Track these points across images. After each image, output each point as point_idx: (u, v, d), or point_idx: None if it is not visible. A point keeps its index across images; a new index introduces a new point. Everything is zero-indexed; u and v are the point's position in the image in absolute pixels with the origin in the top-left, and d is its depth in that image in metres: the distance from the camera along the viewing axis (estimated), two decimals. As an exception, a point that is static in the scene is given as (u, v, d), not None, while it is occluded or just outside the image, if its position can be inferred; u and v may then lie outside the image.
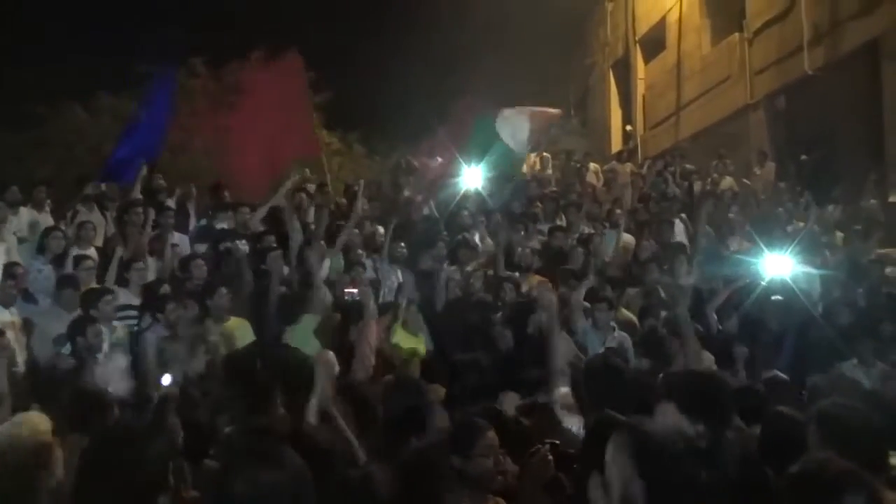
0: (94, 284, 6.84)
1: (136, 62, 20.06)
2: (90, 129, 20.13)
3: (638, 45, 22.28)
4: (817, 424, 3.06)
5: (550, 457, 3.50)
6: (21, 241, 8.12)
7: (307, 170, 12.50)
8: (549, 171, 14.61)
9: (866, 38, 13.32)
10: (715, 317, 7.25)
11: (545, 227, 9.39)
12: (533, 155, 15.93)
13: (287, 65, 9.28)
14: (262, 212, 8.58)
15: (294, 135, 9.19)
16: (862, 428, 2.94)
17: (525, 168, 14.97)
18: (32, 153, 18.85)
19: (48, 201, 9.05)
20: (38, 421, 2.67)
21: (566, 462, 3.56)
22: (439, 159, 13.71)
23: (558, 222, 9.60)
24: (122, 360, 6.25)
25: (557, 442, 3.63)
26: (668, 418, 3.65)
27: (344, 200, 10.14)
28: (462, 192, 9.39)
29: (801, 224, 10.29)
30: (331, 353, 5.01)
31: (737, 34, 17.36)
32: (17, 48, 20.46)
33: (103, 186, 9.45)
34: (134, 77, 20.33)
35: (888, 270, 8.31)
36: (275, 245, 7.59)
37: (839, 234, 10.19)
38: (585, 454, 3.29)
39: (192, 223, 8.95)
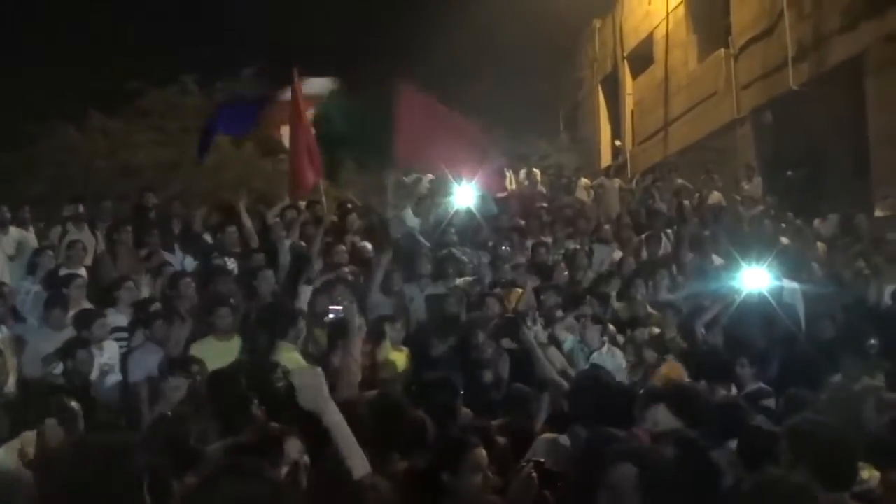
0: (84, 303, 6.86)
1: (127, 81, 20.31)
2: (82, 147, 20.17)
3: (626, 60, 22.49)
4: (788, 439, 3.13)
5: (535, 474, 3.54)
6: (9, 259, 8.15)
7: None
8: (540, 188, 14.69)
9: (850, 54, 13.49)
10: (703, 331, 7.31)
11: (530, 243, 9.46)
12: (523, 171, 16.06)
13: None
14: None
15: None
16: (831, 443, 3.00)
17: (513, 184, 15.10)
18: (24, 172, 18.84)
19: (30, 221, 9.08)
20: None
21: (550, 480, 3.60)
22: (430, 176, 13.79)
23: (543, 238, 9.67)
24: (111, 380, 6.32)
25: (542, 460, 3.67)
26: (661, 420, 3.73)
27: (335, 218, 10.18)
28: (452, 209, 9.45)
29: (786, 239, 10.40)
30: (318, 369, 5.06)
31: (723, 50, 17.56)
32: (9, 67, 20.51)
33: (80, 208, 9.48)
34: (124, 96, 20.57)
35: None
36: (263, 263, 7.62)
37: (821, 247, 10.28)
38: (580, 470, 3.34)
39: (177, 242, 8.96)
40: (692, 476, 3.08)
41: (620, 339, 7.34)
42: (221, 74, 21.58)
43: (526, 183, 14.86)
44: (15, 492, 3.00)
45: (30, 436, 3.08)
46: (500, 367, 6.25)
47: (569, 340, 7.06)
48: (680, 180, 14.59)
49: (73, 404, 4.20)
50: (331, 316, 5.48)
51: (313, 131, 8.09)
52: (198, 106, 20.94)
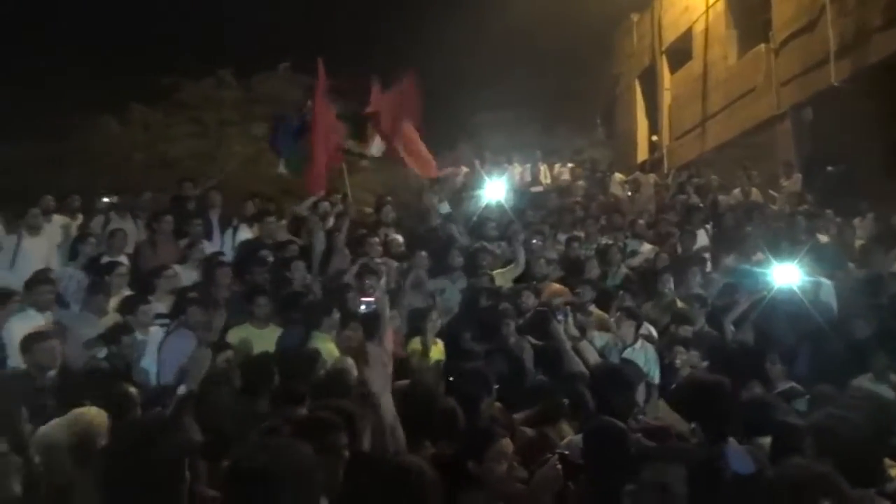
0: (126, 291, 7.05)
1: (165, 75, 20.68)
2: (123, 139, 20.60)
3: (664, 55, 22.26)
4: (813, 435, 3.14)
5: (559, 466, 3.58)
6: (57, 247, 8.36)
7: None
8: (580, 182, 14.66)
9: (892, 50, 13.23)
10: (732, 328, 7.29)
11: (563, 238, 9.49)
12: (557, 165, 16.06)
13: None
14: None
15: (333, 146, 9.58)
16: (855, 439, 3.01)
17: (547, 178, 15.11)
18: (66, 163, 19.26)
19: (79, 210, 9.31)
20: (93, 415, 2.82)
21: (575, 472, 3.65)
22: (464, 169, 13.86)
23: (576, 233, 9.69)
24: (150, 365, 6.51)
25: (567, 452, 3.71)
26: (662, 414, 3.78)
27: (370, 210, 10.32)
28: (484, 203, 9.51)
29: (823, 236, 10.28)
30: (350, 360, 5.18)
31: (763, 45, 17.30)
32: (52, 61, 20.95)
33: (117, 199, 9.75)
34: (162, 89, 20.95)
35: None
36: (297, 254, 7.75)
37: (859, 246, 10.14)
38: (586, 462, 3.39)
39: (216, 232, 9.14)
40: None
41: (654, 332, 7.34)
42: (258, 68, 21.86)
43: (563, 178, 14.85)
44: (61, 465, 3.10)
45: (82, 414, 3.20)
46: (525, 359, 6.30)
47: (602, 335, 7.10)
48: (714, 177, 14.45)
49: (132, 389, 4.34)
50: (363, 308, 5.59)
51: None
52: (235, 99, 21.28)
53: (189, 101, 21.31)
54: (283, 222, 9.23)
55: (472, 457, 3.40)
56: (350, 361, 5.14)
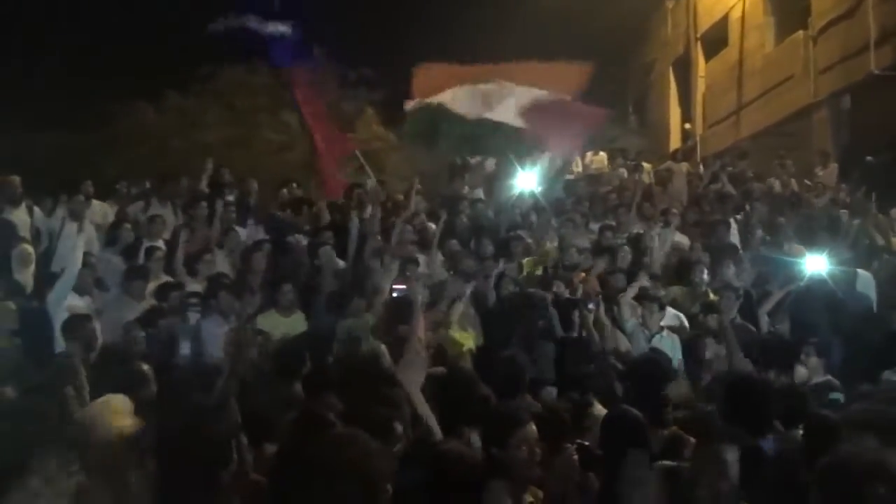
0: (163, 276, 7.19)
1: (201, 63, 20.88)
2: (158, 126, 20.87)
3: (699, 42, 22.02)
4: (849, 429, 3.12)
5: (576, 457, 3.58)
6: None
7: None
8: (622, 170, 14.56)
9: (935, 37, 12.99)
10: (767, 319, 7.25)
11: (596, 226, 9.46)
12: (590, 153, 15.96)
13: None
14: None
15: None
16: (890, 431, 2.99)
17: (579, 166, 15.04)
18: (103, 151, 19.56)
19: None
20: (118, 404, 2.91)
21: (595, 462, 3.66)
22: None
23: (608, 221, 9.66)
24: (186, 348, 6.64)
25: (587, 443, 3.71)
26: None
27: (402, 197, 10.35)
28: (517, 191, 9.51)
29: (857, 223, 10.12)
30: (382, 347, 5.25)
31: (801, 32, 17.05)
32: (91, 49, 21.23)
33: (147, 184, 9.92)
34: (197, 77, 21.17)
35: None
36: (330, 240, 7.83)
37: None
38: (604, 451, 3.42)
39: (252, 219, 9.25)
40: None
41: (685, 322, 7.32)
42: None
43: (594, 166, 14.75)
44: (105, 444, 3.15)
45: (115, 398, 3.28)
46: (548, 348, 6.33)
47: (630, 323, 7.11)
48: (744, 164, 14.21)
49: (146, 367, 4.45)
50: (395, 294, 5.65)
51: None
52: (267, 85, 21.42)
53: (222, 89, 21.53)
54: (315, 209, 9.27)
55: (496, 443, 3.41)
56: (382, 347, 5.21)
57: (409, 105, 8.57)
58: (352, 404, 3.94)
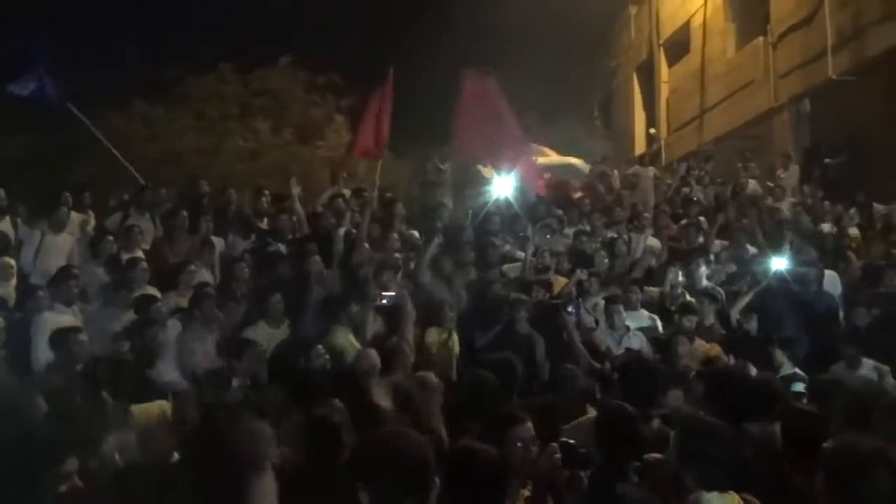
0: (147, 286, 7.22)
1: (167, 69, 20.75)
2: (124, 134, 20.63)
3: (662, 48, 22.45)
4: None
5: (558, 455, 3.72)
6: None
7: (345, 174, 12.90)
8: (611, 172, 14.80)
9: (890, 44, 13.45)
10: (738, 317, 7.52)
11: (570, 231, 9.67)
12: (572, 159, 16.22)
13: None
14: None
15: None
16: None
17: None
18: (67, 159, 19.31)
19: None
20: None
21: (582, 460, 3.81)
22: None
23: (581, 226, 9.88)
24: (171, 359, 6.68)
25: (572, 441, 3.85)
26: (675, 404, 3.99)
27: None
28: (491, 197, 9.67)
29: (825, 226, 10.51)
30: (373, 351, 5.37)
31: (761, 38, 17.51)
32: (55, 54, 20.95)
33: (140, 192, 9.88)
34: (164, 83, 21.00)
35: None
36: (315, 249, 7.91)
37: (856, 235, 10.37)
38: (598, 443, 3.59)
39: (231, 228, 9.27)
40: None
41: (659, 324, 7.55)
42: (259, 62, 21.93)
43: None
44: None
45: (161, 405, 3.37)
46: (538, 350, 6.50)
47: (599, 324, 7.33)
48: (708, 167, 14.54)
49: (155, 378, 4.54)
50: (384, 301, 5.77)
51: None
52: (236, 93, 21.36)
53: (191, 95, 21.39)
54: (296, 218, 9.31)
55: (493, 440, 3.54)
56: (373, 352, 5.33)
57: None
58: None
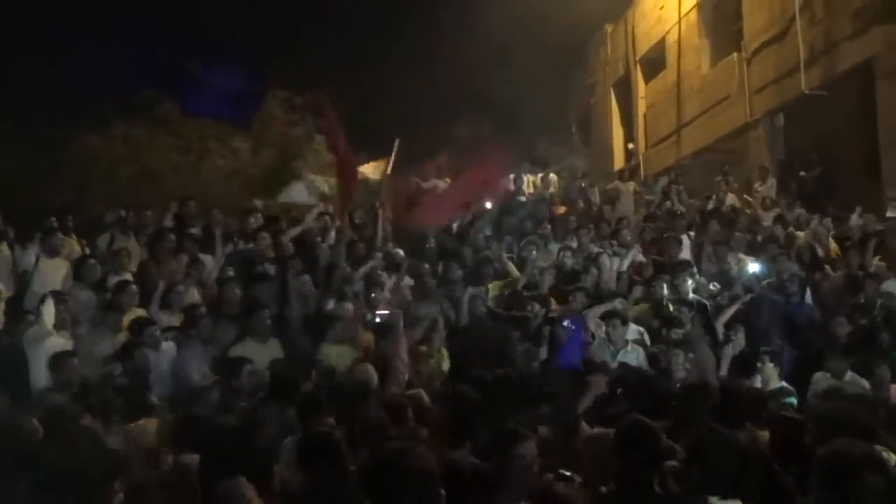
0: (136, 308, 7.23)
1: (145, 89, 20.75)
2: (104, 154, 20.56)
3: (638, 64, 22.73)
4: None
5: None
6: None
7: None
8: (552, 190, 15.00)
9: (860, 59, 13.77)
10: (723, 330, 7.64)
11: (555, 247, 9.79)
12: (541, 175, 16.40)
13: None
14: (294, 232, 9.01)
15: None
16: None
17: (531, 188, 15.42)
18: (47, 180, 19.21)
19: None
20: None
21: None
22: (447, 180, 14.06)
23: (567, 242, 10.00)
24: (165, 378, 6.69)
25: (569, 473, 3.89)
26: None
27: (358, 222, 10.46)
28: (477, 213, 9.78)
29: (802, 238, 10.71)
30: (370, 366, 5.43)
31: (735, 54, 17.81)
32: (32, 73, 20.88)
33: (123, 213, 9.88)
34: (143, 104, 20.99)
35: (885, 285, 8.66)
36: (301, 269, 7.96)
37: (833, 246, 10.58)
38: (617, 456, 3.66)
39: (218, 249, 9.30)
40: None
41: (646, 337, 7.66)
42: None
43: (539, 187, 15.15)
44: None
45: (145, 425, 3.40)
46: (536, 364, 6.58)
47: (596, 338, 7.41)
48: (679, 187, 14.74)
49: (154, 399, 4.57)
50: (377, 320, 5.83)
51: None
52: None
53: (169, 116, 21.39)
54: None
55: (498, 454, 3.59)
56: (370, 368, 5.39)
57: None
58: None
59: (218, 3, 23.11)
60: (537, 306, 7.46)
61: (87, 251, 8.69)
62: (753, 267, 8.66)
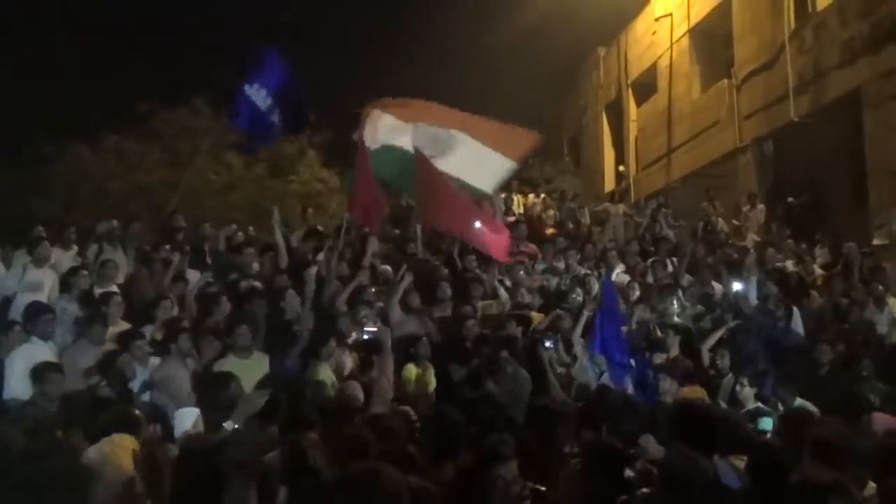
0: (121, 321, 7.20)
1: (140, 102, 20.72)
2: (95, 167, 20.49)
3: (630, 88, 22.98)
4: None
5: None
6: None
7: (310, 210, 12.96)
8: (551, 212, 15.06)
9: (848, 88, 13.96)
10: (709, 355, 7.67)
11: (540, 268, 9.83)
12: (532, 196, 16.48)
13: None
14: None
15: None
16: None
17: (520, 207, 15.50)
18: (36, 193, 19.15)
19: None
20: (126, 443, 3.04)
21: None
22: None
23: (555, 263, 10.05)
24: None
25: (542, 488, 3.90)
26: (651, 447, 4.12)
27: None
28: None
29: (789, 264, 10.80)
30: (356, 384, 5.43)
31: (725, 80, 18.03)
32: (24, 86, 20.88)
33: (115, 223, 9.85)
34: (138, 117, 20.96)
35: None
36: (289, 285, 7.95)
37: (820, 273, 10.66)
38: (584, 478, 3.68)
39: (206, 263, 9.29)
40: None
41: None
42: (232, 96, 21.95)
43: (537, 209, 15.22)
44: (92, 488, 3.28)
45: (122, 439, 3.39)
46: (520, 385, 6.57)
47: (581, 359, 7.42)
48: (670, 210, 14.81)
49: (138, 412, 4.55)
50: (365, 337, 5.83)
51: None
52: (208, 127, 21.37)
53: (163, 130, 21.35)
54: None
55: (479, 473, 3.60)
56: (356, 385, 5.39)
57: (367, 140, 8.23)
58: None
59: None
60: (514, 325, 7.47)
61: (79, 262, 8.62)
62: (737, 289, 8.72)
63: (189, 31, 24.70)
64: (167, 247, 8.59)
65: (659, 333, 7.82)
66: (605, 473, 3.59)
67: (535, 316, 8.00)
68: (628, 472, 3.85)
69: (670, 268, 10.20)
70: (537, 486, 3.83)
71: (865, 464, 3.57)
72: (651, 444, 4.26)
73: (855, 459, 3.48)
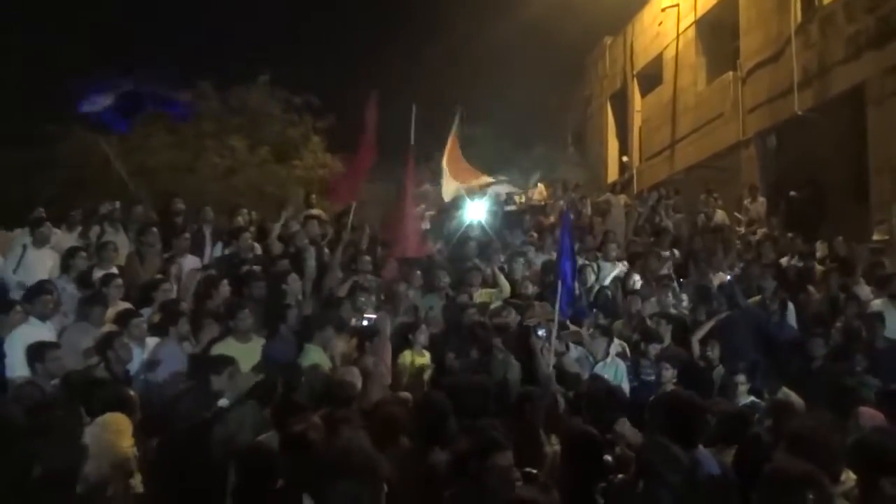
0: (121, 302, 7.26)
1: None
2: (99, 149, 20.51)
3: (635, 78, 22.91)
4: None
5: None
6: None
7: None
8: (560, 202, 15.06)
9: (853, 84, 13.94)
10: (699, 345, 7.71)
11: (539, 259, 9.85)
12: (541, 185, 16.49)
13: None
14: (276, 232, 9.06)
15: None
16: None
17: (522, 198, 15.50)
18: (39, 173, 19.19)
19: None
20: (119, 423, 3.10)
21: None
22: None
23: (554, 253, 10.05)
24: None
25: (535, 471, 3.95)
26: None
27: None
28: (466, 222, 9.84)
29: (788, 258, 10.81)
30: (355, 369, 5.48)
31: (730, 73, 17.98)
32: (30, 68, 20.94)
33: (116, 205, 9.90)
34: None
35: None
36: (290, 269, 8.00)
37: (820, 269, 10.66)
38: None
39: (208, 247, 9.35)
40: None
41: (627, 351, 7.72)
42: (237, 80, 22.02)
43: (543, 197, 15.21)
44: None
45: (115, 418, 3.44)
46: (511, 373, 6.62)
47: (577, 350, 7.46)
48: (672, 202, 14.84)
49: (133, 393, 4.61)
50: (364, 323, 5.88)
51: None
52: (212, 110, 21.40)
53: (166, 113, 21.38)
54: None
55: (476, 460, 3.64)
56: (355, 371, 5.44)
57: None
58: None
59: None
60: (513, 313, 7.52)
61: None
62: (733, 281, 8.75)
63: (194, 14, 24.66)
64: (155, 230, 8.58)
65: (649, 323, 7.85)
66: (583, 461, 3.65)
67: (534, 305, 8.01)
68: (608, 457, 3.91)
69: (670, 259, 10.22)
70: (530, 470, 3.88)
71: (840, 458, 3.61)
72: (627, 429, 4.32)
73: (830, 454, 3.52)
